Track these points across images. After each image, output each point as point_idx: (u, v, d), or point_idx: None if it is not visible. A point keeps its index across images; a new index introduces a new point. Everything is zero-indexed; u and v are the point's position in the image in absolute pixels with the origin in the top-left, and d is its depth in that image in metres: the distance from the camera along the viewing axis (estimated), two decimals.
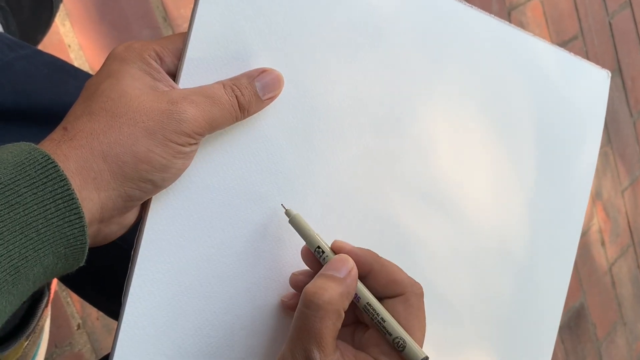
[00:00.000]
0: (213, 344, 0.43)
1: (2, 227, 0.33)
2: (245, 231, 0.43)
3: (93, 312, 0.96)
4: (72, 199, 0.35)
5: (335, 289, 0.39)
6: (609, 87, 0.59)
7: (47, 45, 0.93)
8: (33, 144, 0.35)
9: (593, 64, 0.58)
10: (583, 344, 1.70)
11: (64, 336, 0.94)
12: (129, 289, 0.40)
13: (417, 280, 0.42)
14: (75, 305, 0.95)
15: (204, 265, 0.42)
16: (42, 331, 0.60)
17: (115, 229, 0.39)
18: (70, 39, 0.96)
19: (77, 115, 0.38)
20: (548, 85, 0.56)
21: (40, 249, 0.34)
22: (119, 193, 0.37)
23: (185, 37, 0.41)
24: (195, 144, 0.39)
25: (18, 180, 0.34)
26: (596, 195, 1.76)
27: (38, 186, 0.34)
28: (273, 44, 0.43)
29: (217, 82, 0.40)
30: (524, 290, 0.57)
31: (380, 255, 0.43)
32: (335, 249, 0.42)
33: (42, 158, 0.34)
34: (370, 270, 0.42)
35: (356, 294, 0.41)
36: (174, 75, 0.40)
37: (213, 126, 0.39)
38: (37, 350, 0.61)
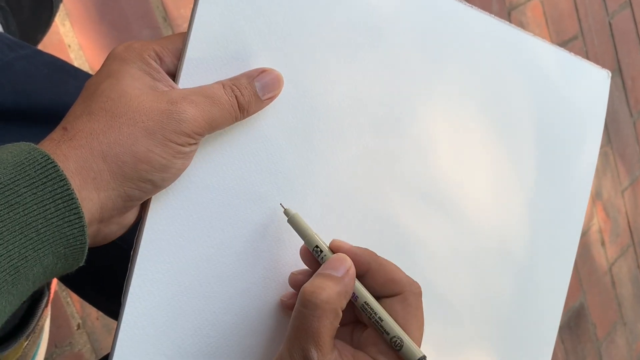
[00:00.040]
0: (212, 344, 0.43)
1: (2, 227, 0.33)
2: (244, 231, 0.43)
3: (93, 312, 0.96)
4: (72, 199, 0.35)
5: (332, 288, 0.39)
6: (609, 87, 0.59)
7: (47, 45, 0.93)
8: (33, 144, 0.35)
9: (593, 64, 0.58)
10: (583, 344, 1.70)
11: (63, 336, 0.94)
12: (128, 288, 0.40)
13: (416, 280, 0.42)
14: (75, 305, 0.95)
15: (204, 265, 0.42)
16: (42, 331, 0.60)
17: (115, 229, 0.39)
18: (70, 39, 0.96)
19: (77, 115, 0.38)
20: (548, 85, 0.56)
21: (40, 249, 0.34)
22: (118, 193, 0.37)
23: (185, 37, 0.41)
24: (194, 144, 0.39)
25: (18, 180, 0.34)
26: (596, 195, 1.76)
27: (38, 186, 0.34)
28: (273, 44, 0.43)
29: (217, 82, 0.40)
30: (524, 290, 0.57)
31: (379, 255, 0.43)
32: (334, 248, 0.42)
33: (41, 158, 0.34)
34: (368, 270, 0.42)
35: (354, 293, 0.41)
36: (174, 75, 0.40)
37: (213, 126, 0.39)
38: (37, 350, 0.61)
